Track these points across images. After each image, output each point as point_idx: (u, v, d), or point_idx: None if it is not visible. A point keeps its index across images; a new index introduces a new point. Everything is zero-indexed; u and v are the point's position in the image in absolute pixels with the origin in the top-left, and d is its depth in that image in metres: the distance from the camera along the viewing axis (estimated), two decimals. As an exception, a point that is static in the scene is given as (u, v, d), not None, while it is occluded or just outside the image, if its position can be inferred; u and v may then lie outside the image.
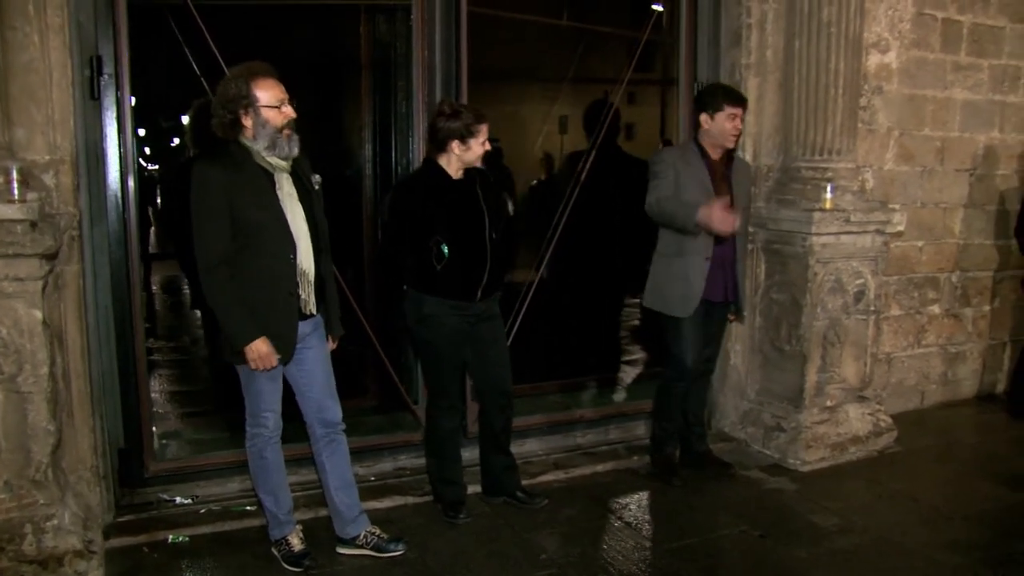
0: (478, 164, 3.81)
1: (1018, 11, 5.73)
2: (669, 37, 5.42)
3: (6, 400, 3.17)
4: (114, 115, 3.80)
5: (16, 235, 3.04)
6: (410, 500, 4.19)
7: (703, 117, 4.23)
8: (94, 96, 3.73)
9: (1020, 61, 5.82)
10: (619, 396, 5.78)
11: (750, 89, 4.88)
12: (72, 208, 3.54)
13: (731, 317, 4.61)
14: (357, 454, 4.23)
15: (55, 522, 3.25)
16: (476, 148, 3.74)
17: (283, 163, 3.25)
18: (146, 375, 4.04)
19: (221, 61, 4.03)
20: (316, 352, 3.45)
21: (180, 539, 3.74)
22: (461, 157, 3.74)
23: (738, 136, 4.26)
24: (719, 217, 3.96)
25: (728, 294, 4.38)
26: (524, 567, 3.57)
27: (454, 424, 4.04)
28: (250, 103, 3.17)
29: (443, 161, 3.77)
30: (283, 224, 3.22)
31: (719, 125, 4.19)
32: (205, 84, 4.57)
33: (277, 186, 3.25)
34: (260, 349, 3.22)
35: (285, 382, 3.46)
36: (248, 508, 3.98)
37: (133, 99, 3.91)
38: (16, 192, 3.11)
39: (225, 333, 3.23)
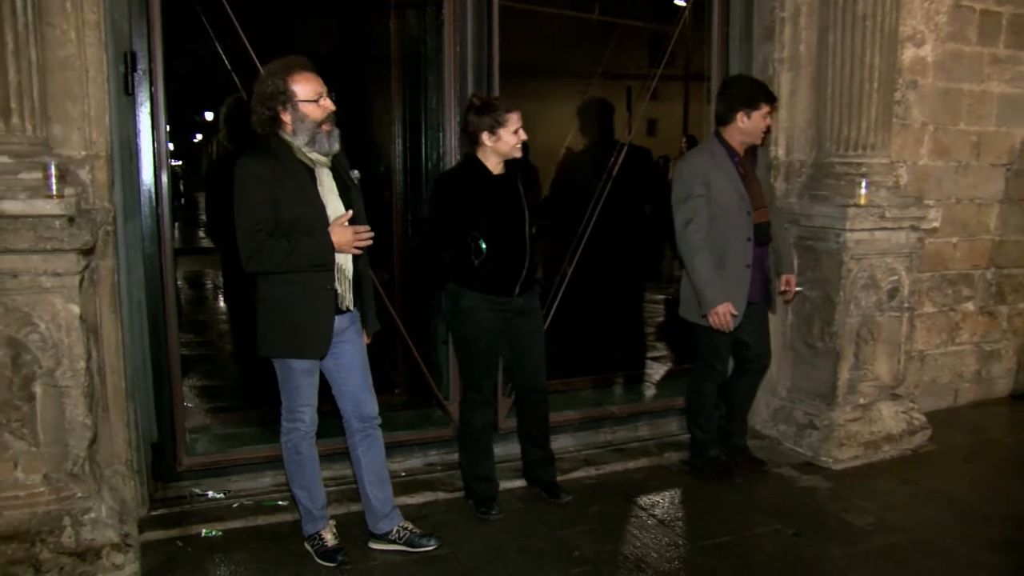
0: (515, 155, 3.77)
1: (1060, 1, 5.63)
2: (693, 32, 5.38)
3: (45, 394, 3.19)
4: (148, 110, 3.81)
5: (55, 230, 3.05)
6: (441, 496, 4.18)
7: (740, 115, 4.13)
8: (128, 92, 3.74)
9: (1061, 53, 5.73)
10: (650, 392, 5.76)
11: (783, 84, 4.84)
12: (107, 203, 3.55)
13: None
14: (387, 450, 4.21)
15: (93, 515, 3.26)
16: (507, 138, 3.72)
17: (323, 158, 3.25)
18: (179, 370, 4.04)
19: (254, 56, 4.04)
20: (353, 346, 3.45)
21: (213, 533, 3.76)
22: (495, 149, 3.73)
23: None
24: (724, 322, 4.11)
25: (760, 292, 4.34)
26: (557, 564, 3.55)
27: (487, 419, 4.04)
28: (288, 99, 3.17)
29: (481, 155, 3.78)
30: (323, 219, 3.22)
31: (755, 123, 4.14)
32: (236, 79, 4.60)
33: (318, 181, 3.25)
34: (341, 235, 3.20)
35: (322, 377, 3.46)
36: (280, 503, 4.00)
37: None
38: (54, 188, 3.12)
39: (305, 265, 3.20)
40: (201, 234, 16.44)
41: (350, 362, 3.47)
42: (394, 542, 3.60)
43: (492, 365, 4.00)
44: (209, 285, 11.50)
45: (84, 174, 3.47)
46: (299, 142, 3.20)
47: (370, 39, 5.69)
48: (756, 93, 4.16)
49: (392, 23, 5.35)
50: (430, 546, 3.59)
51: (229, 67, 4.59)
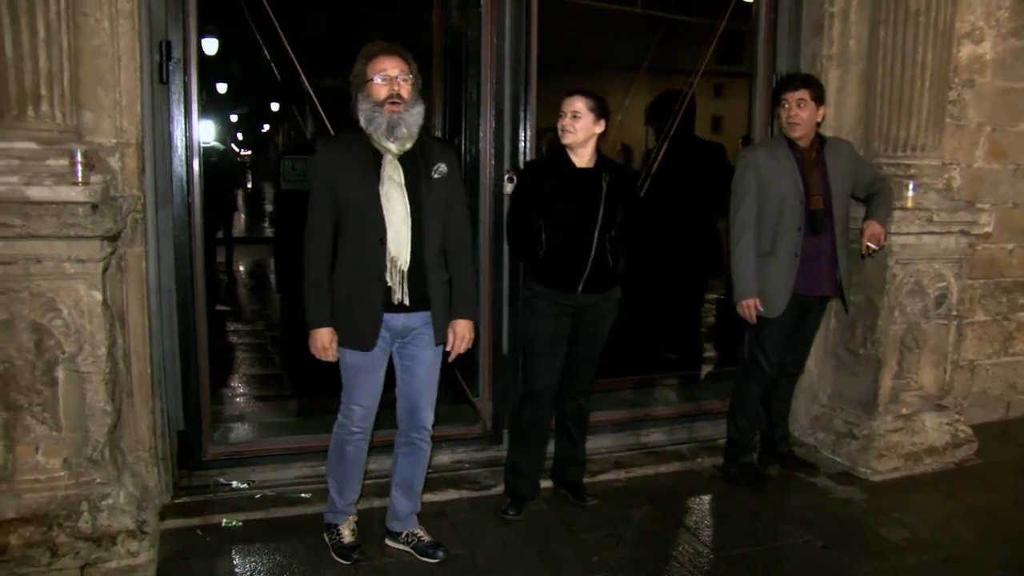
0: (563, 140, 3.73)
1: None
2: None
3: (67, 379, 3.20)
4: (181, 99, 3.81)
5: (78, 217, 3.06)
6: (465, 494, 4.14)
7: (777, 110, 4.21)
8: (163, 80, 3.76)
9: None
10: (688, 395, 5.63)
11: (830, 81, 4.68)
12: (136, 191, 3.56)
13: None
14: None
15: (110, 501, 3.28)
16: (560, 122, 3.74)
17: (391, 146, 3.16)
18: (207, 358, 4.06)
19: (288, 49, 4.05)
20: (423, 351, 3.34)
21: (233, 523, 3.76)
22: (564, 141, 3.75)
23: (801, 123, 4.08)
24: (748, 315, 4.13)
25: (824, 288, 4.25)
26: (575, 569, 3.48)
27: (538, 416, 3.93)
28: (361, 81, 3.16)
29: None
30: (376, 206, 3.14)
31: (781, 115, 4.16)
32: (276, 71, 4.61)
33: (382, 169, 3.17)
34: (321, 338, 3.20)
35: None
36: (303, 495, 3.99)
37: (225, 86, 3.93)
38: (80, 175, 3.14)
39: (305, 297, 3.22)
40: (265, 224, 16.64)
41: (415, 366, 3.37)
42: (402, 544, 3.56)
43: (548, 360, 3.85)
44: (272, 276, 11.59)
45: (114, 162, 3.49)
46: (362, 122, 3.16)
47: (413, 30, 5.66)
48: (778, 85, 4.27)
49: (435, 15, 5.32)
50: (435, 558, 3.49)
51: (269, 58, 4.60)
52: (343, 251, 3.20)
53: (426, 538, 3.56)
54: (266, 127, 20.39)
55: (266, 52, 4.60)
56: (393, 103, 3.12)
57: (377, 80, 3.13)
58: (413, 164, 3.22)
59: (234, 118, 18.95)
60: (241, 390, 5.95)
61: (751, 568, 3.52)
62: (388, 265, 3.17)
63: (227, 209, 11.30)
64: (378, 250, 3.16)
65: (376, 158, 3.18)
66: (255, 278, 11.34)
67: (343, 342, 3.26)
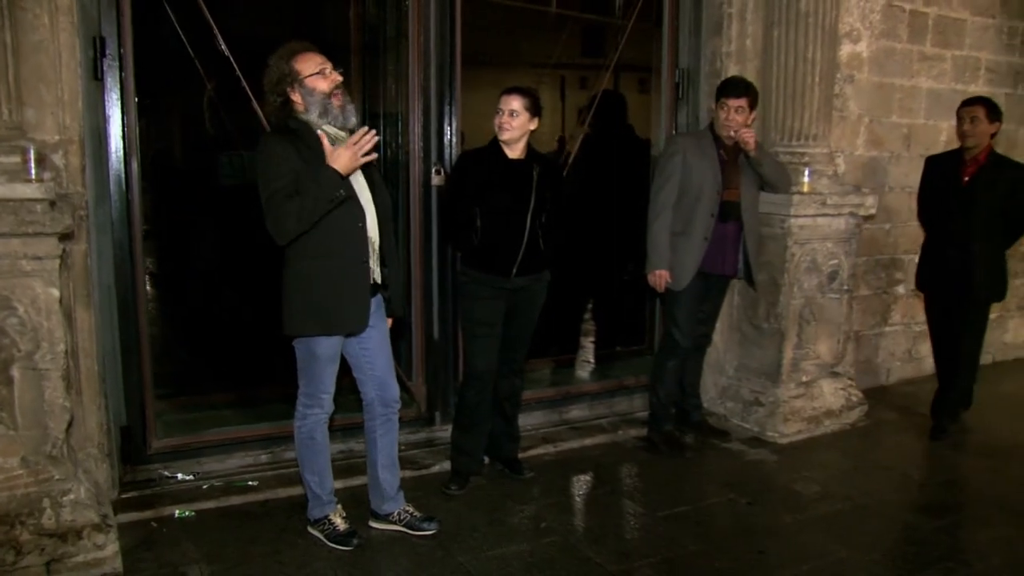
0: (501, 135, 3.91)
1: (978, 5, 6.01)
2: (630, 23, 5.53)
3: (23, 378, 3.19)
4: (117, 96, 3.81)
5: (36, 214, 3.06)
6: (407, 474, 4.22)
7: (713, 105, 4.56)
8: (97, 77, 3.75)
9: (980, 53, 6.11)
10: (605, 372, 5.92)
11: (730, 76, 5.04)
12: (80, 188, 3.56)
13: None
14: (352, 429, 4.33)
15: (72, 496, 3.28)
16: (497, 119, 3.92)
17: (342, 133, 3.28)
18: (148, 353, 4.06)
19: (222, 43, 4.09)
20: (378, 331, 3.49)
21: (186, 514, 3.80)
22: (502, 137, 3.92)
23: (738, 128, 4.42)
24: (658, 284, 4.52)
25: (727, 268, 4.62)
26: (527, 536, 3.70)
27: (479, 397, 4.11)
28: (294, 78, 3.23)
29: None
30: (349, 191, 3.22)
31: (719, 115, 4.47)
32: (199, 66, 4.61)
33: None
34: (341, 156, 3.10)
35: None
36: (250, 483, 4.07)
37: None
38: (33, 172, 3.13)
39: (324, 201, 3.11)
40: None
41: (376, 347, 3.50)
42: (395, 523, 3.67)
43: (485, 341, 4.04)
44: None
45: (58, 159, 3.48)
46: (312, 116, 3.24)
47: (330, 27, 5.72)
48: (722, 87, 4.56)
49: (352, 12, 5.40)
50: (430, 530, 3.64)
51: (192, 55, 4.59)
52: (318, 241, 3.21)
53: (417, 513, 3.70)
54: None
55: (189, 50, 4.58)
56: (338, 95, 3.28)
57: (320, 73, 3.25)
58: None
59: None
60: (173, 384, 5.86)
61: (686, 525, 3.83)
62: (369, 248, 3.31)
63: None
64: (361, 234, 3.28)
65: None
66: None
67: (328, 330, 3.32)
